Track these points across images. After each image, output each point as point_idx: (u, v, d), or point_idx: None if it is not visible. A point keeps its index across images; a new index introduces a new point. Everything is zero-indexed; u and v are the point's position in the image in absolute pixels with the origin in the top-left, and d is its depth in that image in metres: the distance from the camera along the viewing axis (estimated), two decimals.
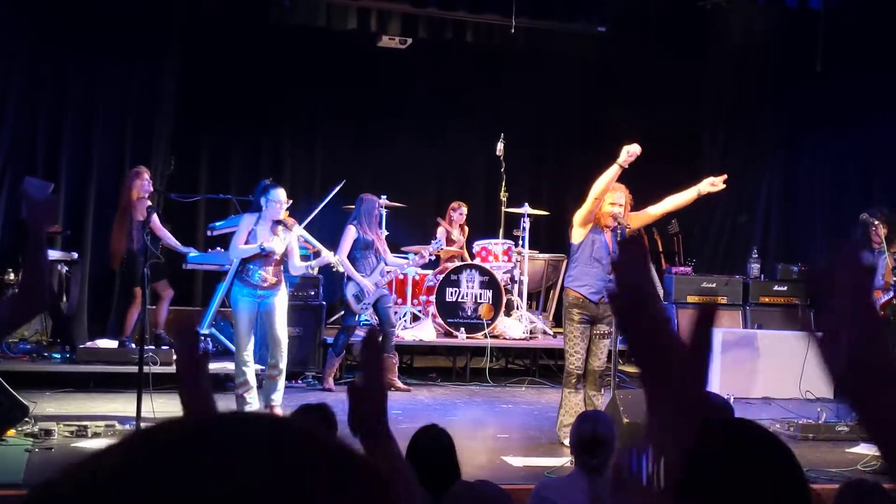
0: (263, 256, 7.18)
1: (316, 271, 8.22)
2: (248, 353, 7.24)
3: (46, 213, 2.64)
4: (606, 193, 6.73)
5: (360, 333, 9.64)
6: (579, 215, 6.89)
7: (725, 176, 6.87)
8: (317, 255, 8.56)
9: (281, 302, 7.32)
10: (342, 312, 9.34)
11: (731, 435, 1.50)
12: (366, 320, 9.60)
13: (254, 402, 7.25)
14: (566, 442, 6.60)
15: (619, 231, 6.76)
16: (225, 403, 7.34)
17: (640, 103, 11.36)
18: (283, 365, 7.32)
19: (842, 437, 7.28)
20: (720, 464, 1.42)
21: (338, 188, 8.69)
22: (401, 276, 10.28)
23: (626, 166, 6.58)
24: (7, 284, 8.64)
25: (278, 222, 7.29)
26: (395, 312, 9.77)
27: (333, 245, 8.71)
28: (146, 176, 8.92)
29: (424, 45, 11.38)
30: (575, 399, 6.83)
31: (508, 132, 10.76)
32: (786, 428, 7.54)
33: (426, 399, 8.90)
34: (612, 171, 6.62)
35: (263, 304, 7.23)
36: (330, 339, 9.23)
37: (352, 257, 8.82)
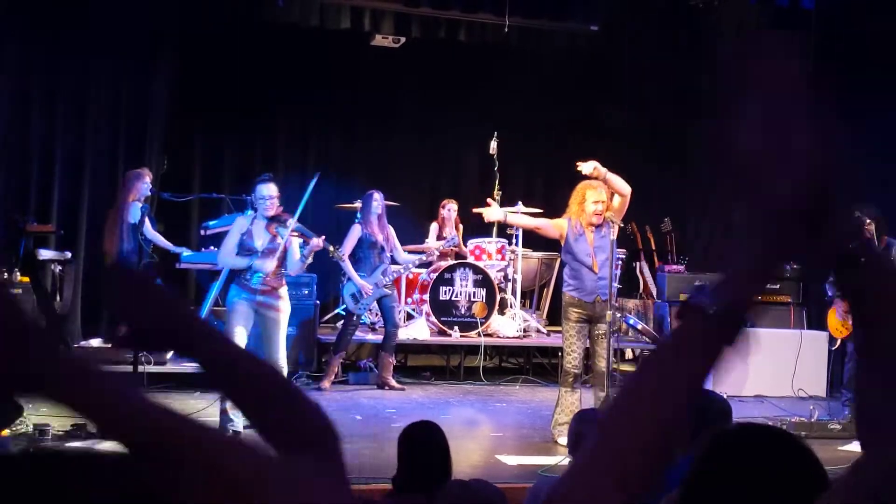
0: (266, 255, 6.72)
1: (310, 259, 7.80)
2: None
3: None
4: (587, 198, 6.84)
5: (360, 334, 9.65)
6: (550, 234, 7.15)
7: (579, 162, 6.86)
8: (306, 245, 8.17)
9: (284, 309, 6.80)
10: (343, 307, 9.32)
11: (749, 439, 1.49)
12: (364, 321, 9.61)
13: (238, 423, 6.30)
14: (560, 441, 6.62)
15: (606, 227, 6.84)
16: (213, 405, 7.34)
17: (633, 102, 11.38)
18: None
19: (834, 435, 7.30)
20: (740, 468, 1.42)
21: (314, 182, 8.21)
22: (410, 275, 10.28)
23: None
24: None
25: (273, 219, 6.82)
26: (400, 312, 9.77)
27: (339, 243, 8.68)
28: (147, 179, 8.89)
29: (418, 45, 11.39)
30: (571, 398, 6.82)
31: (502, 131, 10.77)
32: (778, 426, 7.56)
33: (420, 398, 8.91)
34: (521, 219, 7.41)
35: (262, 310, 6.69)
36: (324, 338, 9.25)
37: (356, 256, 8.83)
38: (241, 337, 6.57)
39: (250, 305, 6.69)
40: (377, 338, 9.45)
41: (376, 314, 9.72)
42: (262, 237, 6.82)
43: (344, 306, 9.34)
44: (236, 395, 1.19)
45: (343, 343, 9.03)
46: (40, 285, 8.96)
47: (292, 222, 6.98)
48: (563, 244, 7.00)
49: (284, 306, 6.85)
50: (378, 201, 8.99)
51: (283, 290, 6.87)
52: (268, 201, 6.81)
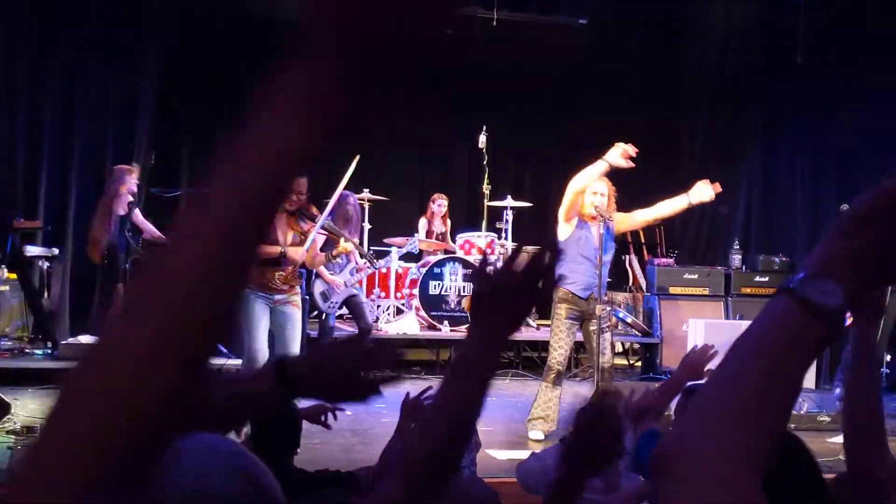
0: (280, 256, 6.28)
1: (338, 260, 7.41)
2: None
3: None
4: (587, 188, 6.62)
5: (351, 328, 9.54)
6: (562, 211, 6.69)
7: (718, 185, 6.80)
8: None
9: (298, 311, 6.46)
10: (313, 312, 9.02)
11: None
12: (332, 320, 9.29)
13: None
14: (532, 435, 6.60)
15: (604, 223, 6.64)
16: None
17: (621, 95, 11.39)
18: None
19: (823, 427, 7.33)
20: None
21: (353, 167, 7.64)
22: (383, 270, 10.24)
23: (614, 165, 6.47)
24: None
25: (296, 213, 6.24)
26: (374, 308, 9.67)
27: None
28: (134, 176, 8.82)
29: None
30: (550, 394, 6.71)
31: (490, 125, 10.76)
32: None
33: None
34: (598, 168, 6.46)
35: (279, 308, 6.33)
36: (313, 333, 9.19)
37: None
38: (263, 337, 6.27)
39: (266, 304, 6.32)
40: None
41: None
42: (284, 233, 6.28)
43: (314, 312, 9.00)
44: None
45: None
46: (28, 282, 8.93)
47: (321, 219, 6.44)
48: (564, 237, 6.68)
49: (300, 303, 6.56)
50: (353, 206, 8.56)
51: (297, 290, 6.50)
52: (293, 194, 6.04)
